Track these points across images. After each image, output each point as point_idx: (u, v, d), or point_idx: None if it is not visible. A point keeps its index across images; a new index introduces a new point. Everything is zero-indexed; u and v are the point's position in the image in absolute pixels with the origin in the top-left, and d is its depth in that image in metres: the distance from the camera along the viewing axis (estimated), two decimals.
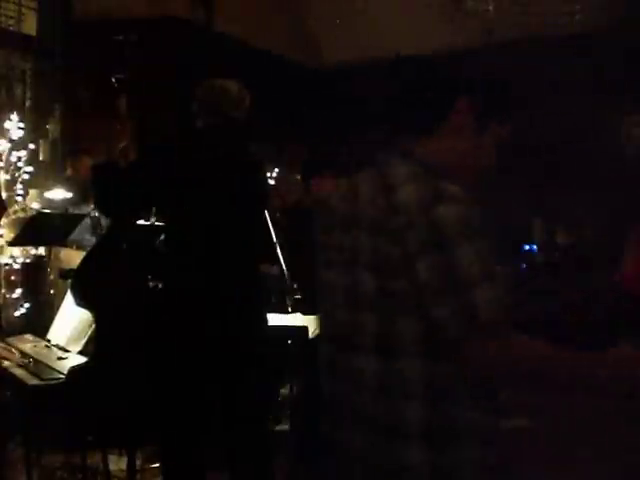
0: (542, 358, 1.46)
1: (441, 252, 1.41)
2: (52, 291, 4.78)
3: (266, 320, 2.86)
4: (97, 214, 4.63)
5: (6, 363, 3.04)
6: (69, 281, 3.08)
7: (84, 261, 2.93)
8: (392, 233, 1.44)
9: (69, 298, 3.08)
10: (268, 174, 4.46)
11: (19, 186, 5.37)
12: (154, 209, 3.31)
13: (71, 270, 3.33)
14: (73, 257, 4.42)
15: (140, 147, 2.98)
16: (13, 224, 5.07)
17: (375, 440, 1.48)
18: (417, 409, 1.44)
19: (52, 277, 4.83)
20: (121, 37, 3.41)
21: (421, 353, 1.44)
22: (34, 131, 5.85)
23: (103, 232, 4.15)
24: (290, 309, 3.82)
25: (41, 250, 5.15)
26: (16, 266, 5.08)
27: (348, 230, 1.54)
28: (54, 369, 2.87)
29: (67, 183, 5.33)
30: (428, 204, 1.42)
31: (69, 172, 5.53)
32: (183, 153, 2.77)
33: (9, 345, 3.31)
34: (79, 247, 4.72)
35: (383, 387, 1.47)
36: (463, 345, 1.42)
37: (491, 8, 6.63)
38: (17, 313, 4.95)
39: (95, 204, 3.31)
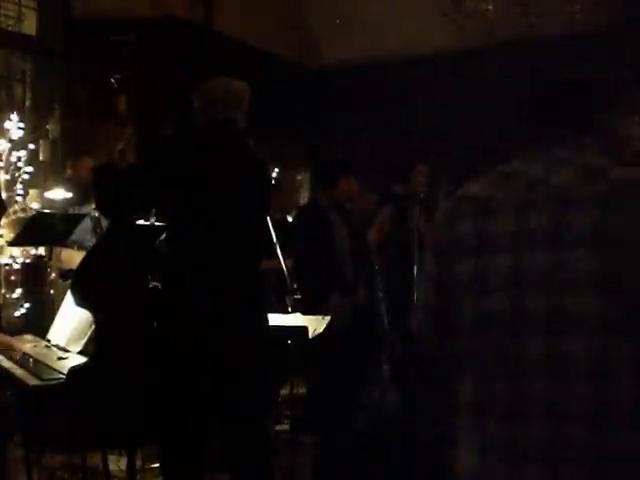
0: None
1: None
2: (52, 291, 4.78)
3: (267, 320, 2.86)
4: (97, 214, 4.63)
5: (6, 363, 3.04)
6: (69, 281, 3.08)
7: (84, 261, 2.93)
8: (610, 208, 1.29)
9: (69, 298, 3.07)
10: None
11: (19, 186, 5.36)
12: (154, 209, 3.31)
13: (71, 270, 3.33)
14: (73, 257, 4.42)
15: (140, 147, 2.97)
16: (13, 224, 5.06)
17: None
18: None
19: (52, 277, 4.83)
20: (121, 37, 3.41)
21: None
22: (34, 131, 5.84)
23: (103, 232, 4.14)
24: (290, 309, 3.83)
25: (41, 250, 5.15)
26: (16, 266, 5.08)
27: (529, 213, 1.37)
28: (54, 369, 2.86)
29: (67, 183, 5.33)
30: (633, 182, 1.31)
31: (69, 172, 5.52)
32: (184, 152, 2.77)
33: (9, 345, 3.31)
34: (79, 247, 4.71)
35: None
36: None
37: (491, 8, 6.62)
38: (17, 313, 4.95)
39: (96, 205, 3.31)
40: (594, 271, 1.28)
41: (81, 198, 5.15)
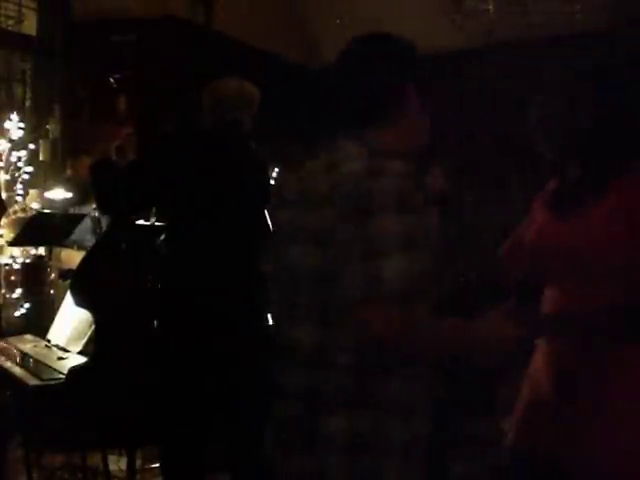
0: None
1: (361, 221, 1.43)
2: (52, 291, 4.78)
3: (267, 320, 2.86)
4: (97, 214, 4.63)
5: (6, 363, 3.04)
6: (69, 281, 3.08)
7: (84, 261, 2.93)
8: (328, 206, 1.50)
9: (69, 298, 3.08)
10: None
11: (19, 186, 5.36)
12: (154, 209, 3.31)
13: (71, 270, 3.33)
14: (73, 257, 4.42)
15: (140, 146, 2.97)
16: (13, 224, 5.06)
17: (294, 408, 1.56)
18: (306, 377, 1.53)
19: (52, 277, 4.83)
20: (121, 37, 3.41)
21: (318, 320, 1.51)
22: (34, 131, 5.84)
23: (103, 232, 4.14)
24: None
25: (41, 250, 5.15)
26: (16, 266, 5.07)
27: (293, 208, 1.62)
28: (54, 369, 2.87)
29: (67, 183, 5.33)
30: (363, 176, 1.47)
31: (69, 172, 5.52)
32: (185, 151, 2.77)
33: (9, 345, 3.31)
34: (79, 247, 4.71)
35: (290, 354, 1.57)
36: (360, 311, 1.44)
37: (491, 8, 6.62)
38: (17, 313, 4.95)
39: (95, 202, 3.31)
40: (316, 267, 1.51)
41: (81, 198, 5.15)
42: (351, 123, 1.66)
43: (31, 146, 5.53)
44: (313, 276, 1.52)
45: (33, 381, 2.78)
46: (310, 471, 1.52)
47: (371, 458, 1.48)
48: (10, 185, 5.30)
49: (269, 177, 3.26)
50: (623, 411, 1.71)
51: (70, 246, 4.75)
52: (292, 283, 1.59)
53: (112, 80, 3.07)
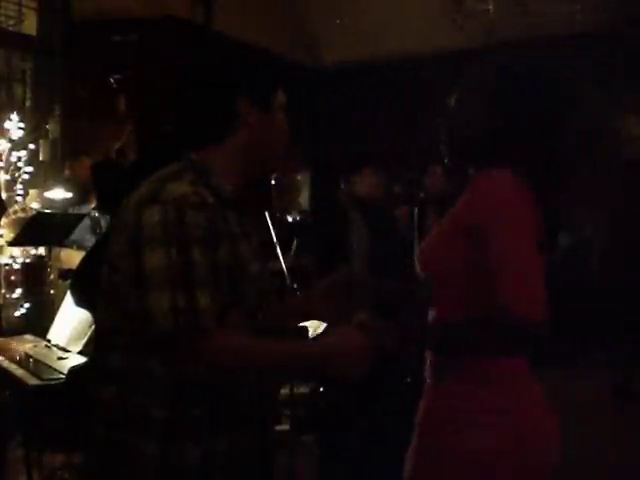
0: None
1: (136, 254, 1.44)
2: (52, 291, 4.78)
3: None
4: (97, 214, 4.63)
5: (6, 363, 3.04)
6: (69, 281, 3.08)
7: (84, 261, 2.93)
8: (118, 233, 1.53)
9: (69, 298, 3.07)
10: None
11: (19, 186, 5.36)
12: None
13: (71, 270, 3.33)
14: (73, 257, 4.42)
15: (140, 146, 2.97)
16: (13, 224, 5.06)
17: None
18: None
19: (52, 277, 4.83)
20: (121, 37, 3.41)
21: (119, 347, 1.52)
22: (34, 131, 5.84)
23: (103, 232, 4.15)
24: None
25: (41, 250, 5.15)
26: (16, 266, 5.08)
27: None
28: (54, 369, 2.87)
29: (66, 183, 5.33)
30: (141, 205, 1.47)
31: (67, 173, 5.52)
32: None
33: (9, 345, 3.31)
34: (79, 247, 4.71)
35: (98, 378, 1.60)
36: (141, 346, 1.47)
37: (491, 8, 6.63)
38: (17, 313, 4.95)
39: (97, 202, 3.31)
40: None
41: (80, 198, 5.15)
42: (183, 141, 1.67)
43: (31, 146, 5.54)
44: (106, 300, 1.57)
45: (33, 381, 2.77)
46: None
47: None
48: (10, 185, 5.31)
49: (269, 177, 3.26)
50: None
51: (70, 246, 4.76)
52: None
53: (112, 80, 3.06)
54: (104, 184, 2.81)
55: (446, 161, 1.79)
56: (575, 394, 4.73)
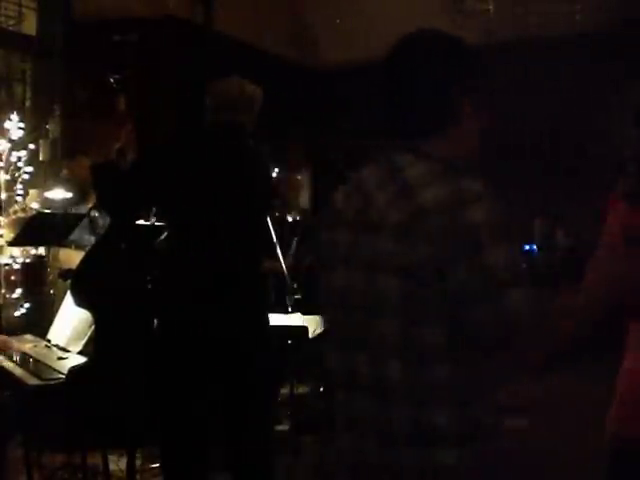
0: None
1: (475, 255, 1.35)
2: (52, 291, 4.78)
3: (267, 320, 2.86)
4: (96, 214, 4.63)
5: (6, 363, 3.04)
6: (69, 281, 3.08)
7: (83, 261, 2.93)
8: (419, 238, 1.37)
9: (69, 298, 3.08)
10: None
11: (19, 186, 5.36)
12: (154, 209, 3.31)
13: (71, 270, 3.34)
14: (72, 257, 4.42)
15: (140, 147, 2.97)
16: (13, 224, 5.06)
17: (402, 448, 1.42)
18: (446, 414, 1.40)
19: (52, 277, 4.83)
20: (121, 37, 3.41)
21: (448, 359, 1.39)
22: (34, 131, 5.84)
23: (102, 232, 4.15)
24: (290, 309, 3.82)
25: (41, 250, 5.15)
26: (16, 266, 5.08)
27: (360, 231, 1.47)
28: (54, 369, 2.87)
29: (65, 183, 5.33)
30: (455, 207, 1.37)
31: (65, 172, 5.51)
32: (186, 152, 2.77)
33: (9, 345, 3.31)
34: (78, 247, 4.71)
35: (408, 393, 1.41)
36: (500, 348, 1.40)
37: (491, 8, 6.63)
38: (17, 313, 4.95)
39: (98, 203, 3.31)
40: (398, 301, 1.40)
41: (78, 197, 5.15)
42: (401, 133, 1.57)
43: (31, 146, 5.53)
44: (394, 309, 1.40)
45: (33, 381, 2.77)
46: None
47: None
48: (10, 185, 5.30)
49: (270, 177, 3.26)
50: None
51: (68, 246, 4.76)
52: (349, 311, 1.48)
53: (112, 80, 3.06)
54: (103, 185, 2.81)
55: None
56: None
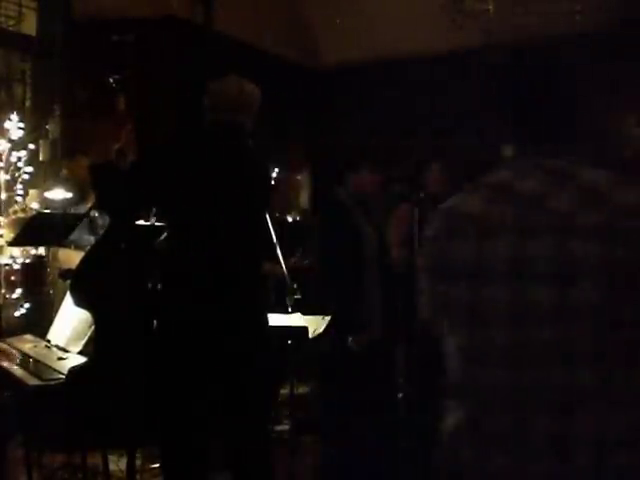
0: None
1: None
2: (52, 291, 4.78)
3: (267, 320, 2.86)
4: (96, 214, 4.63)
5: (6, 363, 3.04)
6: (69, 281, 3.08)
7: (83, 261, 2.93)
8: (617, 240, 1.30)
9: (69, 298, 3.07)
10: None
11: (19, 186, 5.36)
12: (154, 209, 3.31)
13: (70, 270, 3.34)
14: (72, 257, 4.42)
15: (140, 147, 2.97)
16: (13, 224, 5.06)
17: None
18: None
19: (52, 277, 4.83)
20: (121, 37, 3.40)
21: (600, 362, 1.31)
22: (34, 131, 5.84)
23: (102, 232, 4.15)
24: (290, 309, 3.82)
25: (41, 250, 5.15)
26: (16, 266, 5.08)
27: (528, 239, 1.36)
28: (54, 369, 2.87)
29: (65, 183, 5.33)
30: None
31: (64, 172, 5.51)
32: (186, 153, 2.77)
33: (9, 345, 3.31)
34: (77, 247, 4.72)
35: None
36: None
37: (491, 8, 6.62)
38: (17, 313, 4.95)
39: (98, 204, 3.31)
40: (598, 304, 1.30)
41: (78, 198, 5.15)
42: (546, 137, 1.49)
43: (31, 146, 5.53)
44: (593, 316, 1.30)
45: (33, 381, 2.77)
46: None
47: None
48: (10, 185, 5.30)
49: (269, 178, 3.26)
50: None
51: (67, 246, 4.76)
52: (520, 324, 1.35)
53: (112, 80, 3.06)
54: (103, 185, 2.80)
55: None
56: None
